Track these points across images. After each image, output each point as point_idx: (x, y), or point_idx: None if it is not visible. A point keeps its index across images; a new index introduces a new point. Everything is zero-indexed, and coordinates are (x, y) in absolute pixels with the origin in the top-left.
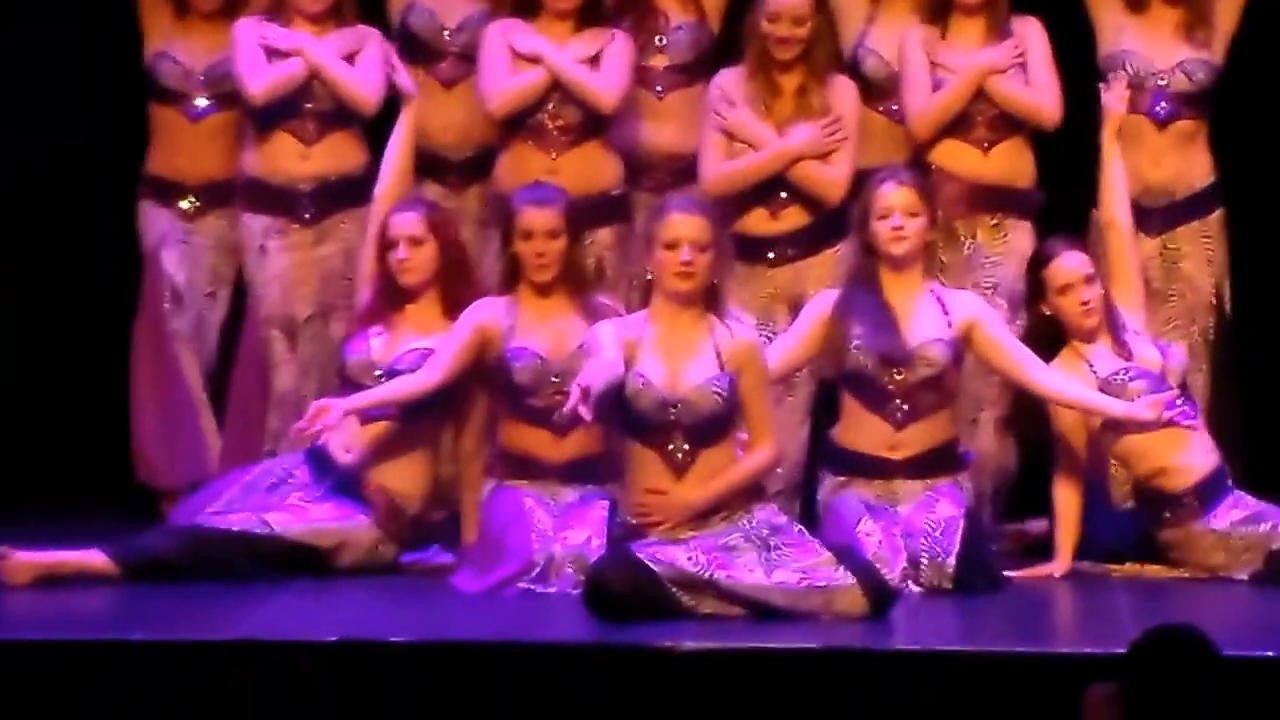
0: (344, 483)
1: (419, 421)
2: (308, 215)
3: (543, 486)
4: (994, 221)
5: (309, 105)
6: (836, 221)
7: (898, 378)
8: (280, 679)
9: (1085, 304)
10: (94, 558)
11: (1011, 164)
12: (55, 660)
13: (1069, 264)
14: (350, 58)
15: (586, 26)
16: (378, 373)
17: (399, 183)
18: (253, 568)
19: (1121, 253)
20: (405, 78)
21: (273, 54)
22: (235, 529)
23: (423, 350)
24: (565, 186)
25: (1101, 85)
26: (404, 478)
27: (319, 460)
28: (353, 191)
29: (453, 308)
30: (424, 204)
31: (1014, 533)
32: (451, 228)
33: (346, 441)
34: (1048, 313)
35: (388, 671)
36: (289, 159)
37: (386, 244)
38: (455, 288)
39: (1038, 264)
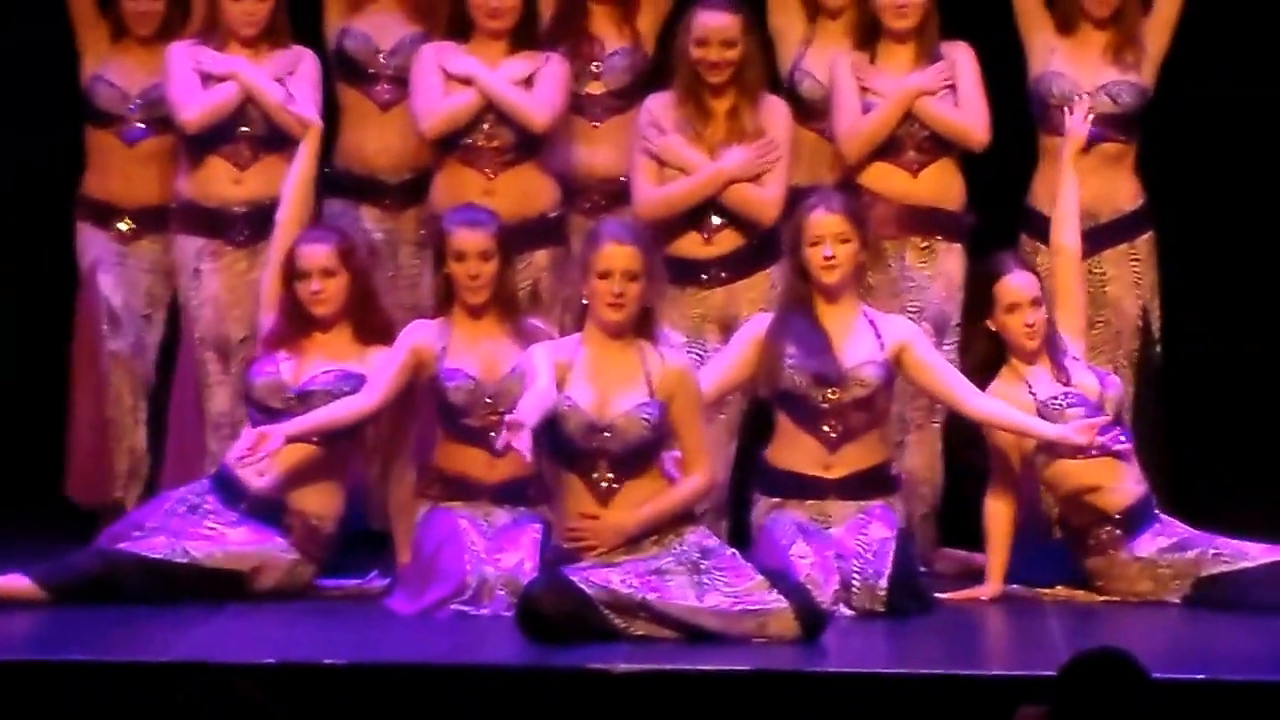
0: (257, 506)
1: (333, 443)
2: (241, 238)
3: (477, 508)
4: (923, 243)
5: (244, 129)
6: (769, 243)
7: (831, 397)
8: (220, 701)
9: (1029, 326)
10: (17, 582)
11: (941, 186)
12: None
13: (1018, 283)
14: (285, 80)
15: (521, 49)
16: (289, 395)
17: (301, 209)
18: (173, 593)
19: (1068, 277)
20: (304, 106)
21: (207, 78)
22: (156, 555)
23: (338, 371)
24: (501, 208)
25: (1066, 108)
26: (319, 499)
27: (227, 485)
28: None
29: (363, 335)
30: (334, 234)
31: (960, 559)
32: (360, 257)
33: (260, 466)
34: (991, 328)
35: (325, 694)
36: (223, 183)
37: (296, 274)
38: (365, 315)
39: (987, 278)
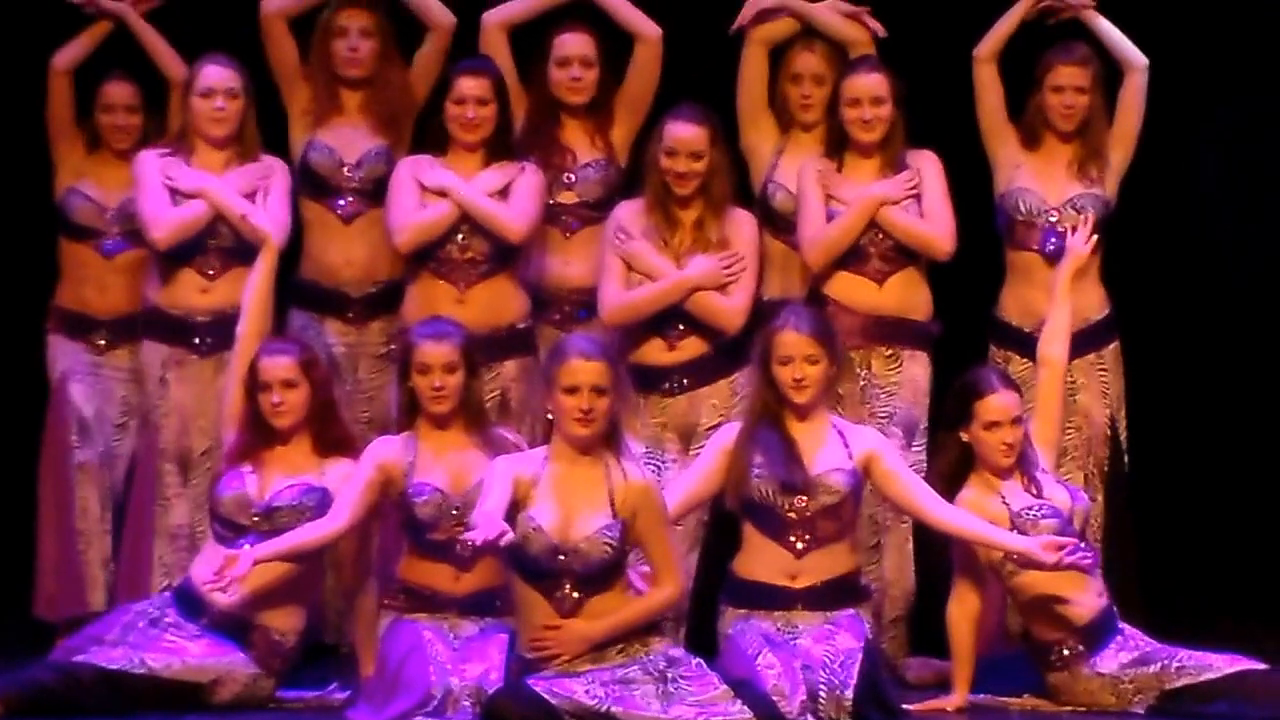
0: (220, 621)
1: (299, 563)
2: (205, 346)
3: (442, 619)
4: (889, 352)
5: (213, 241)
6: (732, 351)
7: (799, 505)
8: None
9: (1007, 444)
10: None
11: (906, 296)
12: None
13: (1002, 403)
14: (254, 193)
15: (496, 160)
16: (254, 512)
17: (260, 321)
18: (131, 704)
19: (1050, 391)
20: (262, 219)
21: (175, 193)
22: (113, 667)
23: (301, 486)
24: (472, 319)
25: (1069, 227)
26: (283, 616)
27: (189, 600)
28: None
29: (322, 446)
30: (295, 346)
31: (932, 668)
32: (320, 368)
33: (228, 589)
34: (965, 439)
35: None
36: (191, 292)
37: (258, 386)
38: (325, 427)
39: (970, 393)
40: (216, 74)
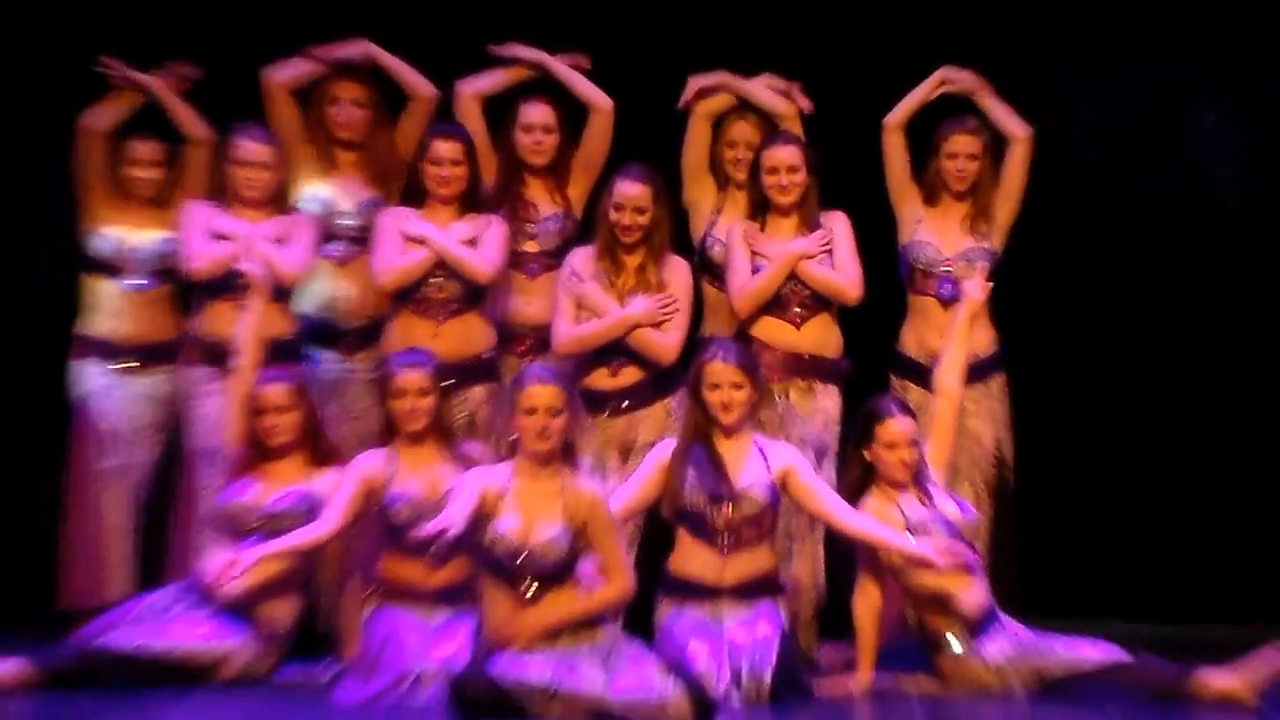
0: (225, 609)
1: (294, 560)
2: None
3: (417, 609)
4: (805, 385)
5: (241, 280)
6: (666, 379)
7: (725, 513)
8: None
9: (905, 463)
10: (12, 668)
11: (820, 337)
12: None
13: (900, 427)
14: (283, 239)
15: (467, 213)
16: (257, 517)
17: (254, 355)
18: (144, 681)
19: (944, 417)
20: (253, 267)
21: (215, 235)
22: (127, 647)
23: (296, 493)
24: (445, 350)
25: (954, 276)
26: (280, 604)
27: (197, 591)
28: (274, 350)
29: (313, 460)
30: (288, 375)
31: (841, 653)
32: (308, 393)
33: (233, 585)
34: (868, 457)
35: None
36: (225, 322)
37: (256, 410)
38: (315, 443)
39: (873, 418)
40: (250, 150)
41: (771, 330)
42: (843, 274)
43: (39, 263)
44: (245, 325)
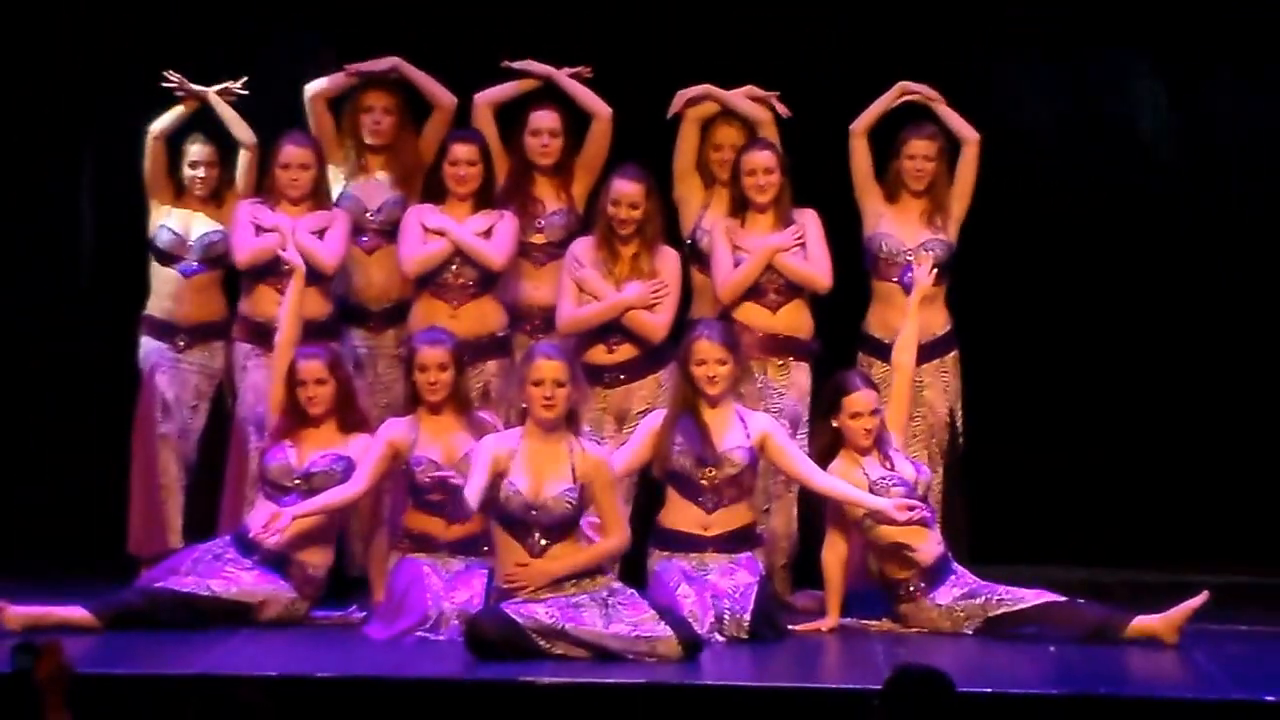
0: (267, 558)
1: (328, 516)
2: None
3: (437, 558)
4: (780, 363)
5: (285, 266)
6: (657, 355)
7: (709, 474)
8: (227, 707)
9: (868, 430)
10: (76, 611)
11: (794, 320)
12: None
13: (863, 398)
14: (323, 230)
15: (481, 208)
16: (295, 476)
17: (294, 331)
18: (197, 621)
19: (900, 389)
20: (293, 256)
21: (260, 228)
22: (185, 590)
23: (331, 455)
24: (462, 329)
25: (915, 264)
26: (316, 554)
27: (244, 542)
28: (313, 329)
29: (345, 426)
30: (325, 351)
31: (813, 599)
32: (344, 367)
33: (274, 539)
34: (835, 425)
35: (316, 701)
36: (270, 304)
37: (295, 382)
38: (347, 412)
39: (839, 390)
40: (293, 153)
41: (751, 314)
42: (815, 265)
43: (116, 254)
44: (287, 307)
